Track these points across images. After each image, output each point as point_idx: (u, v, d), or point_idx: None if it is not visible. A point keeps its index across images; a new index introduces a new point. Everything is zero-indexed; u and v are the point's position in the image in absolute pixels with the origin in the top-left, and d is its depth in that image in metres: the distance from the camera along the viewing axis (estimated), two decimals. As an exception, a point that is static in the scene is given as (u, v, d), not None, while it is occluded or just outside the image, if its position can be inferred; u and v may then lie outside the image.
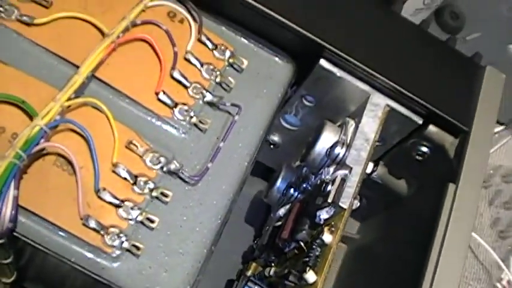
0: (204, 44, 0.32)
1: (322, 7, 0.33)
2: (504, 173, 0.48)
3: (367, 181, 0.37)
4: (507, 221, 0.46)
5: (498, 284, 0.44)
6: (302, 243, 0.31)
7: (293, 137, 0.37)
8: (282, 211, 0.36)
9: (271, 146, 0.39)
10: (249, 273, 0.36)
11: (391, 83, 0.31)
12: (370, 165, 0.31)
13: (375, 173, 0.37)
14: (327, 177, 0.31)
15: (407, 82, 0.32)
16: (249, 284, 0.33)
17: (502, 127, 0.50)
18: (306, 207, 0.33)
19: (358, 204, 0.31)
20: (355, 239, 0.41)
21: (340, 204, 0.29)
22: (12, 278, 0.32)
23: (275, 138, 0.38)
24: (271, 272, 0.34)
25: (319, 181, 0.32)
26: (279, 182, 0.36)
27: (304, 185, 0.34)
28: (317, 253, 0.29)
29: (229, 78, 0.32)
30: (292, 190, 0.36)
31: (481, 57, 0.35)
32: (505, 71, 0.49)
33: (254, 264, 0.37)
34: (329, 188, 0.30)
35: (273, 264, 0.34)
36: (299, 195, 0.35)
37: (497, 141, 0.49)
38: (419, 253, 0.30)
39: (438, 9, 0.51)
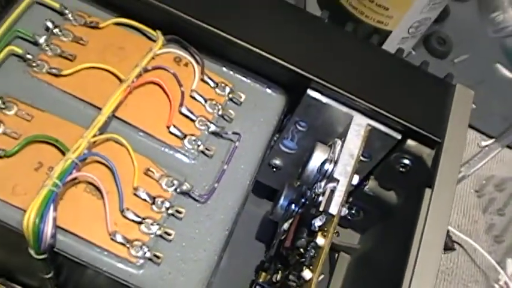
0: (207, 82, 0.38)
1: (307, 44, 0.39)
2: (497, 182, 0.53)
3: (362, 195, 0.43)
4: (501, 226, 0.51)
5: (496, 285, 0.49)
6: (301, 249, 0.36)
7: (292, 159, 0.43)
8: (286, 225, 0.41)
9: (274, 170, 0.44)
10: (259, 281, 0.41)
11: (370, 105, 0.37)
12: (356, 178, 0.37)
13: (367, 187, 0.42)
14: (319, 190, 0.37)
15: (384, 103, 0.37)
16: (257, 287, 0.38)
17: (492, 140, 0.54)
18: (303, 219, 0.38)
19: (346, 211, 0.37)
20: (357, 249, 0.46)
21: (330, 211, 0.35)
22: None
23: (277, 161, 0.44)
24: (278, 278, 0.39)
25: (313, 194, 0.37)
26: (281, 200, 0.42)
27: (303, 200, 0.40)
28: (312, 254, 0.34)
29: (230, 110, 0.38)
30: (293, 206, 0.41)
31: (452, 77, 0.41)
32: (493, 88, 0.55)
33: (264, 273, 0.42)
34: (320, 199, 0.36)
35: (279, 272, 0.39)
36: (299, 210, 0.40)
37: (488, 154, 0.54)
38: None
39: (426, 36, 0.56)
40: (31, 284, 0.40)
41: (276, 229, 0.45)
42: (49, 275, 0.34)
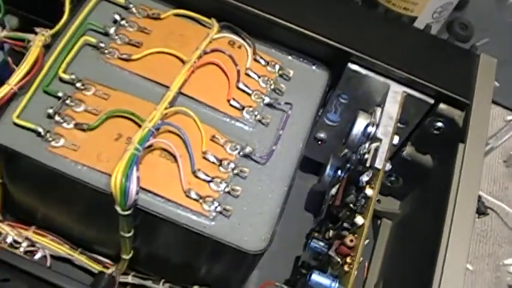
0: (258, 62, 0.44)
1: (344, 23, 0.44)
2: (522, 153, 0.58)
3: (400, 161, 0.48)
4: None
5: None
6: (351, 205, 0.42)
7: (336, 132, 0.48)
8: (333, 190, 0.47)
9: (319, 143, 0.50)
10: (315, 235, 0.46)
11: (405, 74, 0.43)
12: (396, 138, 0.42)
13: (405, 152, 0.48)
14: (364, 151, 0.42)
15: (417, 71, 0.43)
16: (314, 240, 0.43)
17: (516, 115, 0.60)
18: (350, 179, 0.43)
19: (390, 167, 0.42)
20: (397, 214, 0.52)
21: (376, 165, 0.40)
22: (130, 256, 0.43)
23: (321, 135, 0.49)
24: (330, 234, 0.44)
25: (359, 156, 0.43)
26: (328, 169, 0.47)
27: (348, 165, 0.45)
28: (362, 203, 0.40)
29: (281, 84, 0.43)
30: (339, 172, 0.46)
31: (476, 48, 0.46)
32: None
33: (316, 233, 0.47)
34: (366, 156, 0.41)
35: (330, 230, 0.45)
36: (345, 174, 0.46)
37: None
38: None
39: (448, 22, 0.62)
40: (107, 252, 0.45)
41: (322, 200, 0.50)
42: (129, 234, 0.40)
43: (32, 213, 0.45)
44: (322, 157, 0.50)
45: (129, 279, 0.45)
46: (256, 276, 0.48)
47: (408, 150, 0.47)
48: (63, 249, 0.45)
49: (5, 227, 0.43)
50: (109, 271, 0.44)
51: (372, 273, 0.50)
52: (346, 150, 0.46)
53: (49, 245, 0.45)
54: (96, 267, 0.45)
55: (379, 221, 0.52)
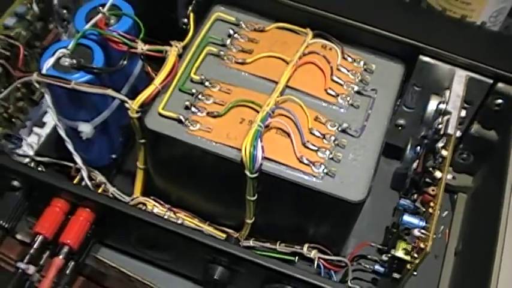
0: (347, 59, 0.57)
1: (414, 22, 0.57)
2: None
3: (470, 139, 0.59)
4: None
5: None
6: (430, 168, 0.53)
7: (413, 117, 0.60)
8: (414, 165, 0.58)
9: (400, 128, 0.62)
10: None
11: (467, 60, 0.55)
12: (463, 112, 0.54)
13: (473, 129, 0.59)
14: (438, 124, 0.54)
15: (477, 57, 0.55)
16: (402, 199, 0.54)
17: None
18: (428, 150, 0.55)
19: (460, 133, 0.54)
20: (470, 187, 0.63)
21: (448, 132, 0.52)
22: (252, 220, 0.55)
23: (401, 121, 0.61)
24: (415, 197, 0.56)
25: (434, 129, 0.55)
26: (408, 148, 0.59)
27: (426, 141, 0.57)
28: (439, 161, 0.51)
29: (366, 76, 0.56)
30: (418, 148, 0.58)
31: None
32: None
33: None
34: (440, 127, 0.53)
35: (415, 195, 0.56)
36: (423, 149, 0.57)
37: None
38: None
39: (505, 28, 0.74)
40: (229, 224, 0.58)
41: (405, 178, 0.61)
42: (254, 197, 0.52)
43: (168, 194, 0.58)
44: (403, 142, 0.62)
45: (251, 242, 0.57)
46: (352, 243, 0.60)
47: (475, 127, 0.59)
48: (195, 222, 0.58)
49: (151, 201, 0.56)
50: (235, 236, 0.57)
51: (452, 238, 0.61)
52: (423, 131, 0.58)
53: (184, 218, 0.58)
54: (222, 236, 0.58)
55: (455, 196, 0.64)
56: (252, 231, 0.56)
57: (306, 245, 0.55)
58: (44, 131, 0.63)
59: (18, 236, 0.63)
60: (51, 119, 0.63)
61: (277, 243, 0.56)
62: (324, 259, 0.55)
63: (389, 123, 0.54)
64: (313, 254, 0.55)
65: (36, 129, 0.63)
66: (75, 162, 0.57)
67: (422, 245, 0.48)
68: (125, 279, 0.59)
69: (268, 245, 0.56)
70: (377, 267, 0.55)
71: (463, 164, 0.62)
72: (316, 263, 0.55)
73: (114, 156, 0.61)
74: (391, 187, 0.64)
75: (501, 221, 0.50)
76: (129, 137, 0.61)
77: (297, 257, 0.55)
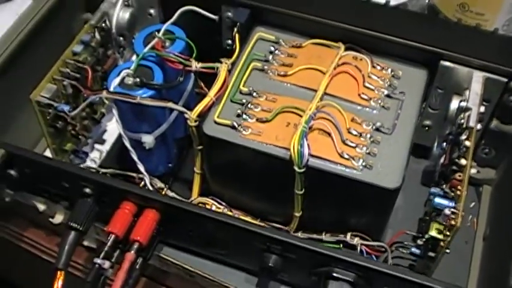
0: (376, 68, 0.66)
1: (433, 31, 0.66)
2: None
3: (490, 134, 0.68)
4: None
5: None
6: (456, 160, 0.62)
7: (437, 118, 0.69)
8: (442, 160, 0.67)
9: (426, 129, 0.70)
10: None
11: (483, 62, 0.64)
12: (482, 107, 0.63)
13: (492, 125, 0.68)
14: (461, 120, 0.63)
15: (492, 59, 0.64)
16: (432, 188, 0.63)
17: None
18: (453, 143, 0.64)
19: (480, 126, 0.62)
20: (494, 179, 0.71)
21: (470, 125, 0.61)
22: (300, 213, 0.64)
23: (427, 122, 0.70)
24: (444, 187, 0.64)
25: (457, 125, 0.64)
26: (436, 146, 0.68)
27: (451, 137, 0.66)
28: (463, 151, 0.60)
29: (394, 81, 0.65)
30: (444, 144, 0.67)
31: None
32: None
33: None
34: (462, 122, 0.62)
35: (444, 185, 0.65)
36: (449, 144, 0.66)
37: None
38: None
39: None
40: (278, 220, 0.66)
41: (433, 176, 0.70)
42: (302, 191, 0.61)
43: (222, 195, 0.66)
44: (431, 141, 0.71)
45: (299, 234, 0.65)
46: (389, 234, 0.68)
47: (494, 123, 0.67)
48: (247, 219, 0.67)
49: (209, 200, 0.65)
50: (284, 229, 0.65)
51: (480, 226, 0.70)
52: (447, 130, 0.67)
53: (239, 215, 0.66)
54: (272, 231, 0.66)
55: (480, 188, 0.72)
56: (299, 225, 0.65)
57: (349, 234, 0.64)
58: (105, 148, 0.72)
59: (85, 243, 0.71)
60: (110, 136, 0.73)
61: (323, 234, 0.64)
62: (365, 245, 0.63)
63: (417, 121, 0.63)
64: (356, 241, 0.63)
65: (97, 146, 0.72)
66: (136, 172, 0.66)
67: (453, 222, 0.56)
68: (186, 276, 0.67)
69: (315, 235, 0.65)
70: (413, 249, 0.63)
71: (485, 158, 0.71)
72: (359, 248, 0.63)
73: (170, 165, 0.70)
74: (422, 183, 0.72)
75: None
76: (183, 149, 0.70)
77: (341, 245, 0.64)
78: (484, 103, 0.65)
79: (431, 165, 0.69)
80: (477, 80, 0.63)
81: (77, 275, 0.71)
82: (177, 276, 0.68)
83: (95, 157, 0.71)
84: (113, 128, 0.74)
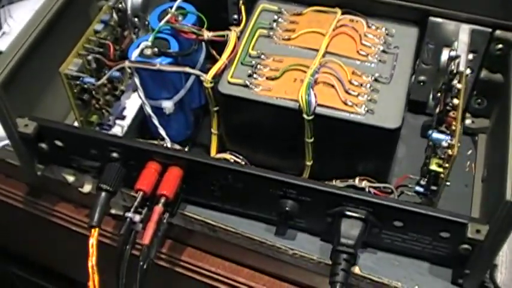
0: (371, 28, 0.75)
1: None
2: None
3: (481, 84, 0.77)
4: None
5: None
6: (450, 103, 0.70)
7: (432, 72, 0.77)
8: (437, 110, 0.75)
9: (421, 84, 0.79)
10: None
11: (468, 15, 0.72)
12: (470, 55, 0.71)
13: (482, 75, 0.76)
14: (451, 68, 0.71)
15: (477, 12, 0.73)
16: (430, 130, 0.71)
17: None
18: (446, 89, 0.72)
19: (469, 72, 0.71)
20: (487, 127, 0.80)
21: (460, 69, 0.69)
22: (311, 162, 0.72)
23: (422, 77, 0.78)
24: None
25: (449, 73, 0.72)
26: (431, 97, 0.77)
27: (443, 86, 0.74)
28: (456, 92, 0.68)
29: (389, 38, 0.74)
30: (438, 94, 0.75)
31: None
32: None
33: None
34: (453, 68, 0.71)
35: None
36: (443, 92, 0.75)
37: None
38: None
39: None
40: (292, 173, 0.75)
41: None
42: (311, 139, 0.69)
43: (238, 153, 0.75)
44: (426, 96, 0.79)
45: (311, 184, 0.74)
46: (394, 183, 0.76)
47: (484, 73, 0.75)
48: (263, 175, 0.75)
49: (228, 155, 0.73)
50: (297, 179, 0.74)
51: (478, 170, 0.78)
52: (440, 81, 0.75)
53: (254, 172, 0.75)
54: (287, 183, 0.74)
55: (476, 137, 0.80)
56: (311, 175, 0.73)
57: (357, 178, 0.72)
58: (126, 123, 0.81)
59: (113, 211, 0.80)
60: (130, 112, 0.81)
61: (334, 181, 0.73)
62: (373, 187, 0.71)
63: (411, 71, 0.72)
64: (364, 184, 0.71)
65: (118, 122, 0.81)
66: (159, 139, 0.74)
67: (450, 152, 0.64)
68: (209, 232, 0.75)
69: (327, 183, 0.73)
70: (417, 188, 0.71)
71: (479, 108, 0.79)
72: (367, 190, 0.71)
73: (188, 132, 0.78)
74: (422, 136, 0.81)
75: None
76: (199, 118, 0.79)
77: (351, 189, 0.72)
78: (473, 54, 0.73)
79: (429, 120, 0.77)
80: (464, 31, 0.72)
81: (106, 243, 0.78)
82: (201, 234, 0.76)
83: (117, 131, 0.80)
84: (131, 105, 0.82)
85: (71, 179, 0.78)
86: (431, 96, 0.76)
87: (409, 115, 0.82)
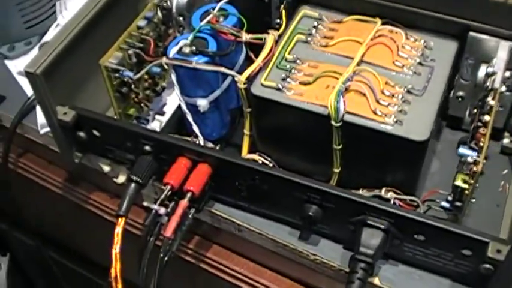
0: (410, 39, 0.75)
1: (463, 2, 0.74)
2: None
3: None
4: None
5: None
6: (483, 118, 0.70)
7: (470, 88, 0.77)
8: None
9: (460, 100, 0.79)
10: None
11: (509, 32, 0.72)
12: (508, 72, 0.71)
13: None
14: (487, 84, 0.71)
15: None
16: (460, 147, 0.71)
17: None
18: (481, 104, 0.72)
19: (504, 89, 0.70)
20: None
21: (494, 86, 0.69)
22: (339, 169, 0.73)
23: (461, 93, 0.78)
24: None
25: (485, 89, 0.72)
26: (467, 113, 0.76)
27: (480, 103, 0.74)
28: (488, 108, 0.68)
29: (426, 51, 0.74)
30: (475, 110, 0.75)
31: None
32: None
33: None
34: (488, 84, 0.70)
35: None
36: (478, 108, 0.74)
37: None
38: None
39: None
40: (320, 179, 0.75)
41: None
42: (339, 146, 0.70)
43: (269, 156, 0.76)
44: (464, 112, 0.79)
45: (338, 191, 0.74)
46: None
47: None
48: (291, 179, 0.76)
49: (257, 156, 0.74)
50: (325, 185, 0.74)
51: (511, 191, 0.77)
52: (478, 98, 0.75)
53: (283, 175, 0.75)
54: (314, 188, 0.75)
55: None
56: (339, 183, 0.74)
57: (384, 189, 0.72)
58: (165, 118, 0.83)
59: (145, 203, 0.81)
60: (170, 109, 0.83)
61: (360, 190, 0.73)
62: (399, 199, 0.71)
63: (446, 85, 0.71)
64: (390, 195, 0.71)
65: (158, 117, 0.83)
66: (193, 136, 0.76)
67: (475, 168, 0.64)
68: (235, 231, 0.77)
69: (352, 191, 0.73)
70: (443, 203, 0.71)
71: (520, 126, 0.78)
72: (392, 201, 0.71)
73: (223, 132, 0.80)
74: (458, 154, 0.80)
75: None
76: (235, 119, 0.80)
77: (376, 199, 0.72)
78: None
79: (466, 136, 0.77)
80: (503, 48, 0.72)
81: (138, 234, 0.80)
82: (228, 233, 0.77)
83: (155, 126, 0.82)
84: (172, 101, 0.84)
85: (106, 168, 0.80)
86: (467, 112, 0.76)
87: (447, 130, 0.82)
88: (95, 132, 0.76)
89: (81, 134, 0.76)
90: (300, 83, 0.71)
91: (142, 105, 0.80)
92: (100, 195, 0.86)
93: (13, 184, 0.94)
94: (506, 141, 0.79)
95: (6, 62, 0.94)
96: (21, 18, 0.95)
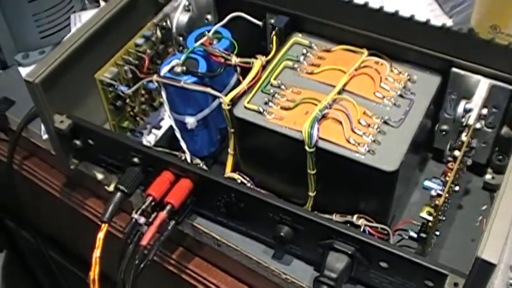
0: (394, 71, 0.77)
1: (447, 41, 0.76)
2: None
3: (502, 141, 0.77)
4: None
5: None
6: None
7: (453, 122, 0.79)
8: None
9: (443, 133, 0.80)
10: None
11: (489, 70, 0.73)
12: (484, 110, 0.72)
13: (503, 131, 0.76)
14: (464, 120, 0.73)
15: (498, 67, 0.73)
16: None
17: None
18: (459, 137, 0.73)
19: (480, 126, 0.72)
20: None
21: (469, 123, 0.70)
22: (314, 193, 0.75)
23: (444, 127, 0.80)
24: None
25: (462, 124, 0.73)
26: (448, 147, 0.78)
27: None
28: (463, 140, 0.70)
29: (409, 84, 0.76)
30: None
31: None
32: None
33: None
34: (463, 120, 0.72)
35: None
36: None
37: None
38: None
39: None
40: (297, 202, 0.78)
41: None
42: (314, 171, 0.72)
43: (252, 177, 0.79)
44: (446, 146, 0.81)
45: (314, 214, 0.77)
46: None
47: (505, 130, 0.76)
48: (271, 199, 0.78)
49: (236, 175, 0.77)
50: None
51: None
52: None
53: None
54: (292, 210, 0.78)
55: (495, 193, 0.81)
56: (314, 207, 0.76)
57: (356, 215, 0.74)
58: (160, 132, 0.87)
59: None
60: (166, 123, 0.87)
61: (334, 215, 0.75)
62: (370, 226, 0.73)
63: (423, 119, 0.73)
64: (361, 222, 0.73)
65: (154, 131, 0.87)
66: (181, 151, 0.80)
67: (437, 202, 0.66)
68: (214, 246, 0.80)
69: (326, 216, 0.76)
70: (411, 233, 0.73)
71: (499, 165, 0.79)
72: (362, 228, 0.73)
73: (212, 149, 0.83)
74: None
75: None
76: (225, 138, 0.83)
77: (348, 225, 0.74)
78: (494, 109, 0.74)
79: (445, 159, 0.79)
80: (483, 85, 0.73)
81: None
82: (208, 247, 0.80)
83: (150, 140, 0.85)
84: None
85: (100, 176, 0.84)
86: (448, 145, 0.77)
87: (433, 163, 0.84)
88: (90, 142, 0.80)
89: (77, 142, 0.80)
90: (281, 107, 0.73)
91: (137, 118, 0.84)
92: (95, 201, 0.90)
93: (17, 185, 0.99)
94: (488, 177, 0.80)
95: (20, 68, 1.00)
96: (36, 28, 1.00)
